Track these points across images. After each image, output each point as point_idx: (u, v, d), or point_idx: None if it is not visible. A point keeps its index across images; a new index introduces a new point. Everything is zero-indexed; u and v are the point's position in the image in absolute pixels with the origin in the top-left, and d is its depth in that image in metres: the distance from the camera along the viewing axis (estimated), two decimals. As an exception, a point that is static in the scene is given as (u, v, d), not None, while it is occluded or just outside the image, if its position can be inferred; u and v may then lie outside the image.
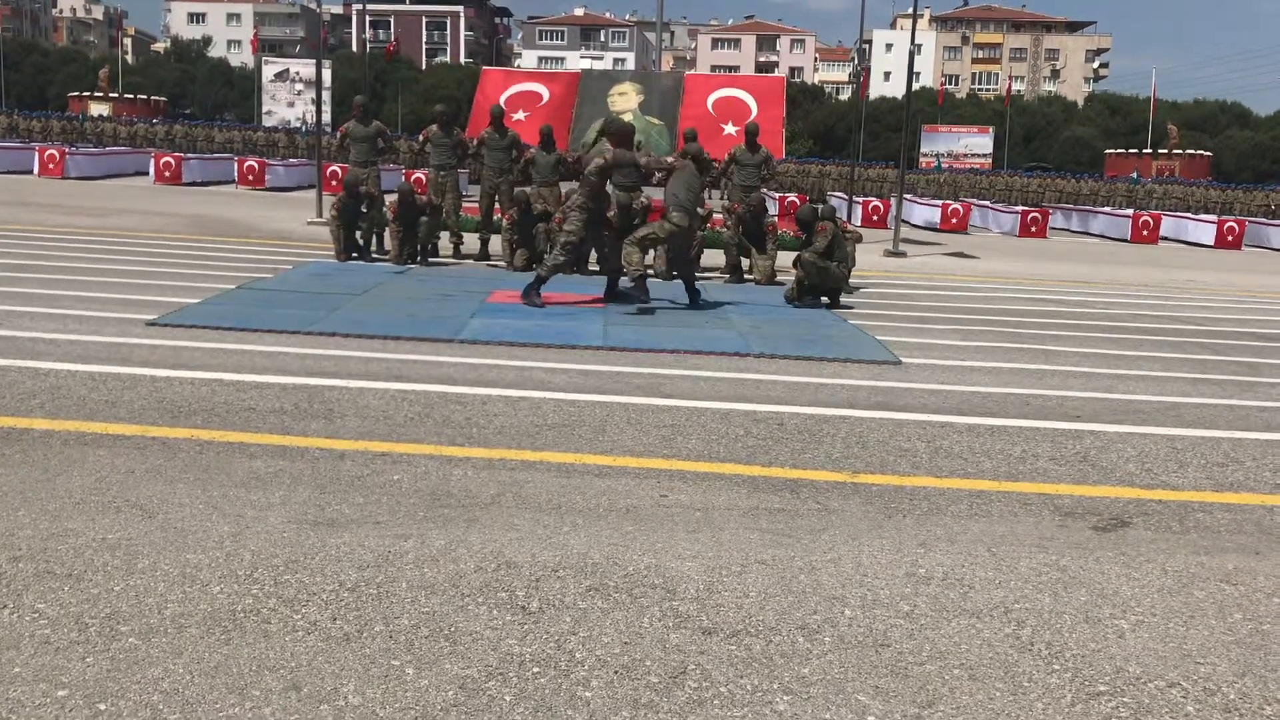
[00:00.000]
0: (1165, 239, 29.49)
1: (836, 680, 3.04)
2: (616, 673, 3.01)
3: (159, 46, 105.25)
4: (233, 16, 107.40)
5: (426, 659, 3.03)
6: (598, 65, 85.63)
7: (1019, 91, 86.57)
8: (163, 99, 59.42)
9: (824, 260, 10.94)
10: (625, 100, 19.17)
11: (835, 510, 4.58)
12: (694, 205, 10.43)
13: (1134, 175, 48.48)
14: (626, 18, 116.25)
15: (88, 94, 54.69)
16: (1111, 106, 76.74)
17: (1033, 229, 28.23)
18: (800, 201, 22.38)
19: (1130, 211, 32.00)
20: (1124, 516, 4.72)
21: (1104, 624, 3.54)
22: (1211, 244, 28.36)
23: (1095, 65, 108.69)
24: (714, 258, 14.17)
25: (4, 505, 4.07)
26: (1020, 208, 31.73)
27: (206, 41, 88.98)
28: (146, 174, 30.41)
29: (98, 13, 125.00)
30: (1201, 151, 58.85)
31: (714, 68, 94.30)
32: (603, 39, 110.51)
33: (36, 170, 29.48)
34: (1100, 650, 3.33)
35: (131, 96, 55.83)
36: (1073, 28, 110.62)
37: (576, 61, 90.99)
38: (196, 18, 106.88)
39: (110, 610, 3.23)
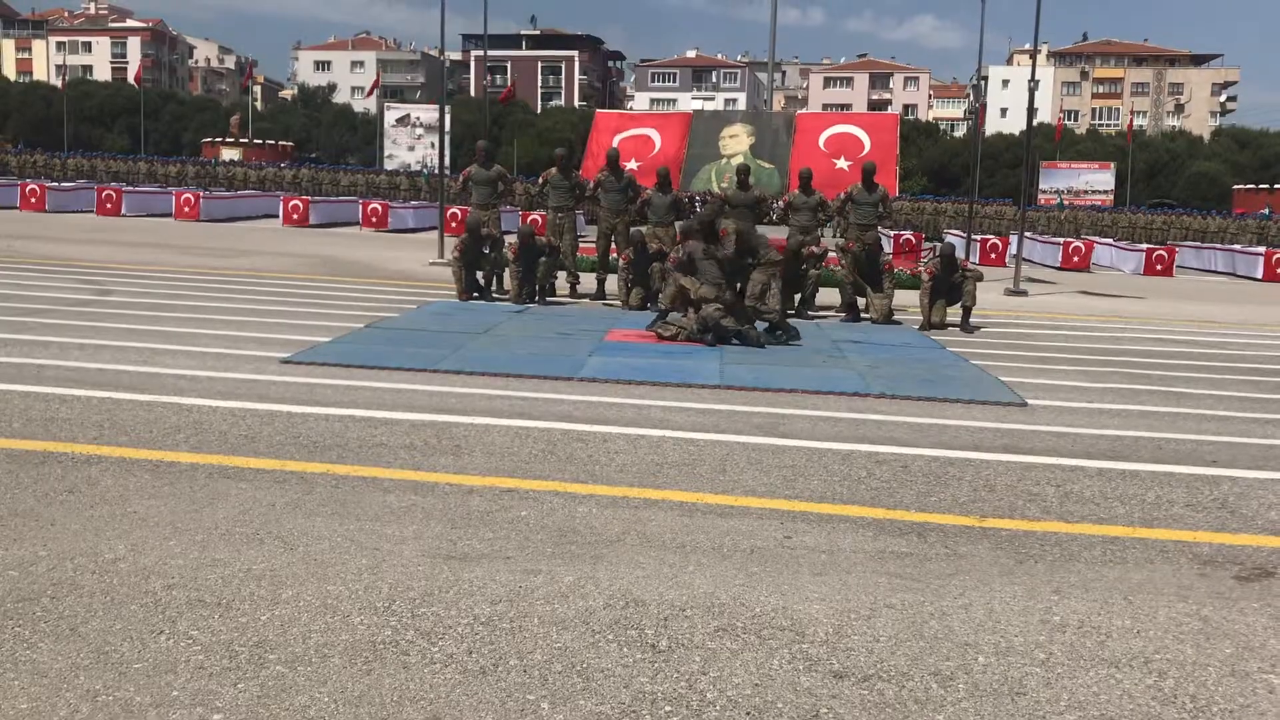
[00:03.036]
0: (1301, 277, 28.32)
1: (972, 728, 2.99)
2: (749, 714, 3.01)
3: (287, 93, 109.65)
4: (356, 64, 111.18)
5: (561, 695, 3.08)
6: (709, 106, 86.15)
7: (1140, 126, 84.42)
8: (290, 144, 61.84)
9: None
10: (736, 142, 19.25)
11: (964, 555, 4.51)
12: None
13: (1265, 211, 46.79)
14: (738, 59, 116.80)
15: (220, 140, 57.30)
16: (1240, 140, 74.37)
17: (1158, 267, 27.44)
18: (915, 240, 21.93)
19: (1262, 249, 30.87)
20: (1268, 566, 4.55)
21: (1252, 678, 3.41)
22: (1352, 282, 27.14)
23: (1222, 98, 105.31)
24: (829, 296, 14.11)
25: (156, 534, 4.27)
26: (1145, 245, 30.88)
27: (331, 88, 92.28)
28: (275, 216, 31.62)
29: (229, 62, 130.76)
30: (1338, 185, 56.54)
31: (825, 106, 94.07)
32: (714, 80, 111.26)
33: (174, 213, 30.87)
34: (1250, 705, 3.22)
35: (261, 142, 58.30)
36: (1198, 60, 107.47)
37: (688, 103, 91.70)
38: (322, 65, 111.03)
39: (258, 638, 3.36)
